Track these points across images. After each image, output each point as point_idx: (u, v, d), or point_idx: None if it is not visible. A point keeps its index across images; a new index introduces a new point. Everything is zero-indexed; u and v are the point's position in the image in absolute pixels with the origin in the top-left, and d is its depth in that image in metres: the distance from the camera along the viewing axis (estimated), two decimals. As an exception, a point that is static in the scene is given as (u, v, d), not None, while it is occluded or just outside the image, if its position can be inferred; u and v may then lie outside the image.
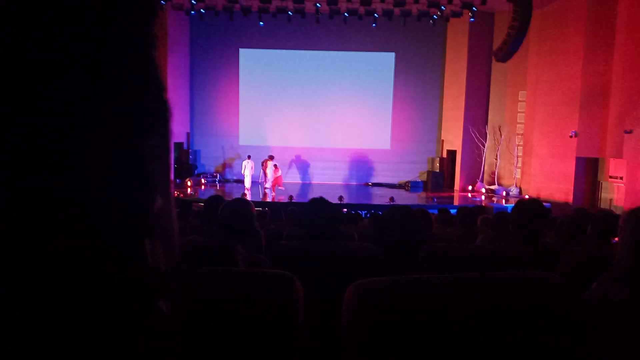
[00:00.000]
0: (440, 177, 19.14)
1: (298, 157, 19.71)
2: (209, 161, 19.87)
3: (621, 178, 12.97)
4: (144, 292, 0.34)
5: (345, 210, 10.20)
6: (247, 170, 16.80)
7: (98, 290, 0.31)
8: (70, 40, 0.30)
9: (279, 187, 16.26)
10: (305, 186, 18.66)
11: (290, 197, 14.69)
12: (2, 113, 0.29)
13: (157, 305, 0.35)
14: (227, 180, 19.61)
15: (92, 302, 0.31)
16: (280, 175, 16.39)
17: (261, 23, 17.58)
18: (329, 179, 19.56)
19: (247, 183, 16.84)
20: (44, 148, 0.29)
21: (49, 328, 0.30)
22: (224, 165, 20.02)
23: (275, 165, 16.37)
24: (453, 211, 7.61)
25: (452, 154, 19.36)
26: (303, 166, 19.81)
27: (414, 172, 19.96)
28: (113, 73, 0.32)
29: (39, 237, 0.29)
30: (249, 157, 17.23)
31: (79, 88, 0.30)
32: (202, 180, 18.38)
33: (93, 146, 0.31)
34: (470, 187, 18.58)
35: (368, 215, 8.81)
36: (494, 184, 18.23)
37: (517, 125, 17.96)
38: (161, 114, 0.35)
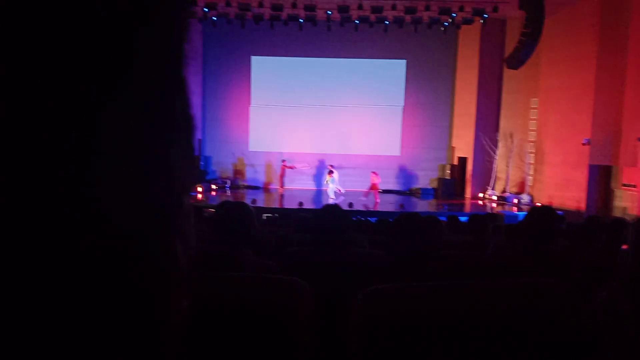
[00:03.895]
0: (450, 184, 19.01)
1: (308, 164, 19.70)
2: (219, 167, 19.95)
3: (635, 186, 12.81)
4: (170, 290, 0.35)
5: (355, 218, 10.17)
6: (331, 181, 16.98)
7: (115, 288, 0.32)
8: (90, 43, 0.30)
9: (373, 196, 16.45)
10: (315, 192, 18.66)
11: (300, 203, 14.67)
12: (6, 111, 0.29)
13: (181, 303, 0.36)
14: (238, 187, 19.65)
15: (111, 300, 0.32)
16: (376, 182, 16.58)
17: (271, 28, 17.67)
18: (339, 185, 19.54)
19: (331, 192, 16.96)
20: (48, 149, 0.29)
21: (63, 327, 0.30)
22: (235, 172, 20.09)
23: (374, 172, 16.64)
24: (464, 219, 7.56)
25: (463, 161, 19.24)
26: (313, 172, 19.80)
27: (425, 179, 19.85)
28: (132, 83, 0.33)
29: (40, 237, 0.29)
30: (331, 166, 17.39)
31: (90, 89, 0.30)
32: (213, 187, 18.41)
33: (106, 149, 0.31)
34: (481, 195, 18.43)
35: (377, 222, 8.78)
36: (505, 191, 18.07)
37: (529, 133, 17.82)
38: (187, 127, 0.37)
